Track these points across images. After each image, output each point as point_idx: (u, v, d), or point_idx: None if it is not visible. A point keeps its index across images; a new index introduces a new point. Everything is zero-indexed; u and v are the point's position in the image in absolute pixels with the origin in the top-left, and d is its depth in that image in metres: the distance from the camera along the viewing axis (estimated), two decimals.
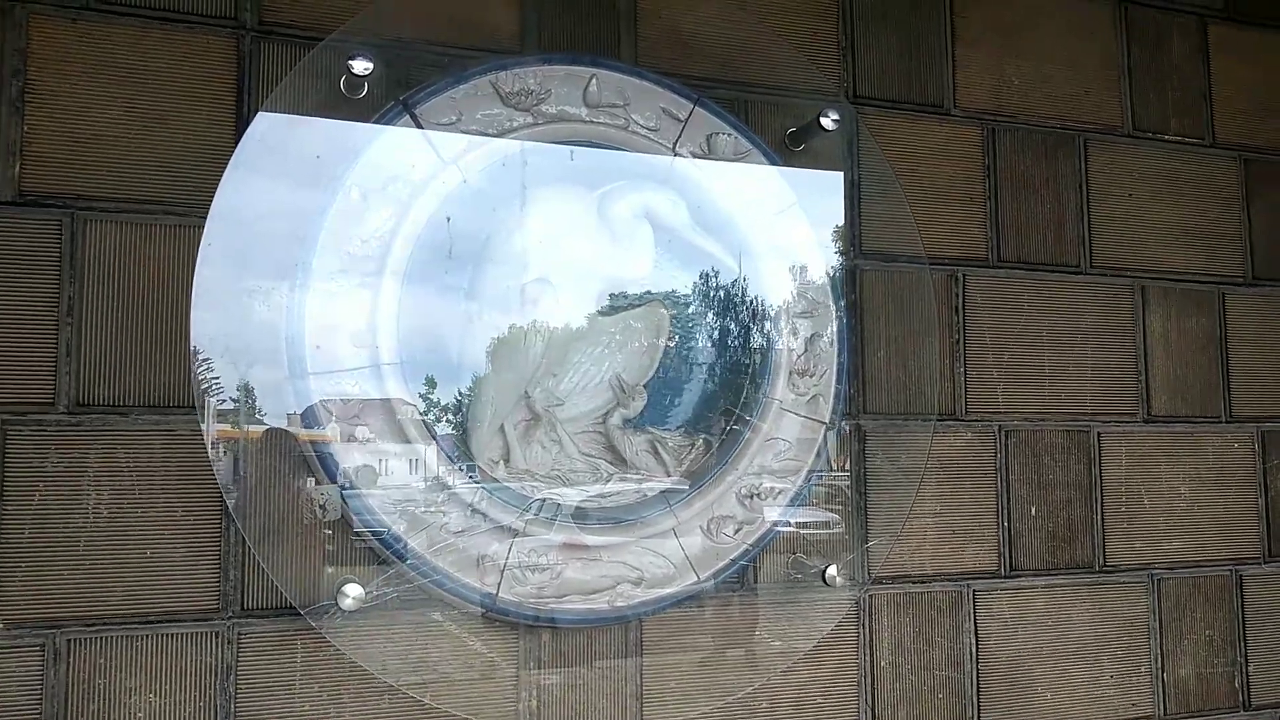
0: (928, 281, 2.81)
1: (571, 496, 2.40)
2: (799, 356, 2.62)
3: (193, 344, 2.11)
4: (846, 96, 2.80)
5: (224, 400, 2.15)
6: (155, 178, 2.20)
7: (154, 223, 2.20)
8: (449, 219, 2.30)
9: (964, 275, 2.92)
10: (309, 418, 2.19)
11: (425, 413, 2.28)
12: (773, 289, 2.59)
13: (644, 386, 2.53)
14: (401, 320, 2.27)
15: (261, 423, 2.17)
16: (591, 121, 2.45)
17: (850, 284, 2.75)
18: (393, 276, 2.27)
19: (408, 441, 2.24)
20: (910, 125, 2.91)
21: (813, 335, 2.64)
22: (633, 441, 2.48)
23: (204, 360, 2.14)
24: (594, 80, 2.46)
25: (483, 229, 2.38)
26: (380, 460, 2.23)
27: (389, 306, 2.26)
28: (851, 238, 2.80)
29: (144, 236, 2.19)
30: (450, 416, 2.34)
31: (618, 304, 2.54)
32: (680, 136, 2.54)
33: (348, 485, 2.18)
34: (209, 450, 2.10)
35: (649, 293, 2.56)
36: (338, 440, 2.19)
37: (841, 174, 2.80)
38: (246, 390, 2.18)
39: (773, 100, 2.73)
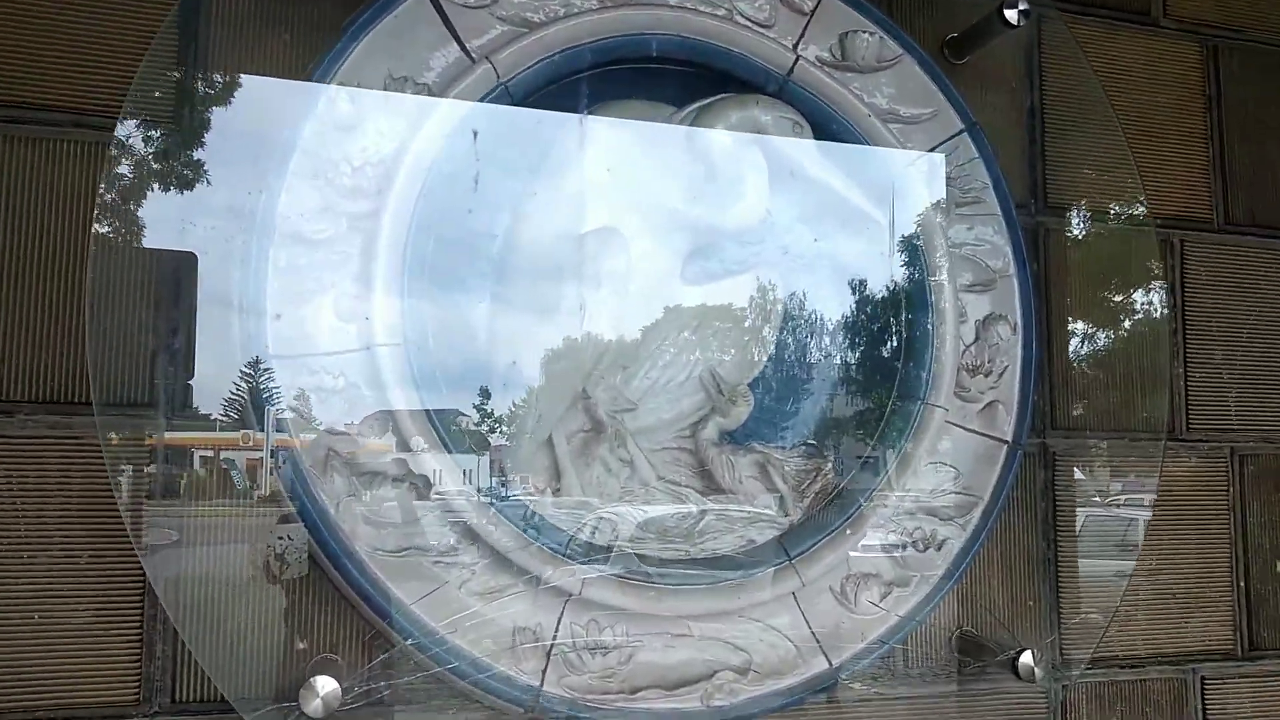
0: (1143, 248, 2.03)
1: (649, 543, 1.65)
2: (969, 347, 1.85)
3: (91, 313, 1.42)
4: (1000, 15, 2.02)
5: (140, 397, 1.45)
6: (65, 76, 1.53)
7: (59, 138, 1.52)
8: (475, 134, 1.59)
9: (1181, 242, 2.13)
10: (269, 419, 1.48)
11: (440, 417, 1.56)
12: (932, 252, 1.83)
13: (749, 387, 1.79)
14: (407, 283, 1.55)
15: (194, 427, 1.47)
16: (681, 7, 1.72)
17: (1033, 249, 1.97)
18: (394, 220, 1.56)
19: (413, 459, 1.52)
20: (1106, 38, 2.14)
21: (988, 317, 1.87)
22: (734, 464, 1.73)
23: (110, 340, 1.45)
24: None
25: (524, 155, 1.67)
26: (371, 485, 1.51)
27: (389, 263, 1.55)
28: (1032, 185, 2.02)
29: (43, 156, 1.51)
30: (477, 422, 1.62)
31: (713, 268, 1.81)
32: (804, 34, 1.80)
33: (322, 525, 1.47)
34: (109, 470, 1.40)
35: (758, 253, 1.81)
36: (309, 457, 1.48)
37: (1026, 96, 2.03)
38: (176, 381, 1.48)
39: None
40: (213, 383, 1.52)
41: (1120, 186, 2.05)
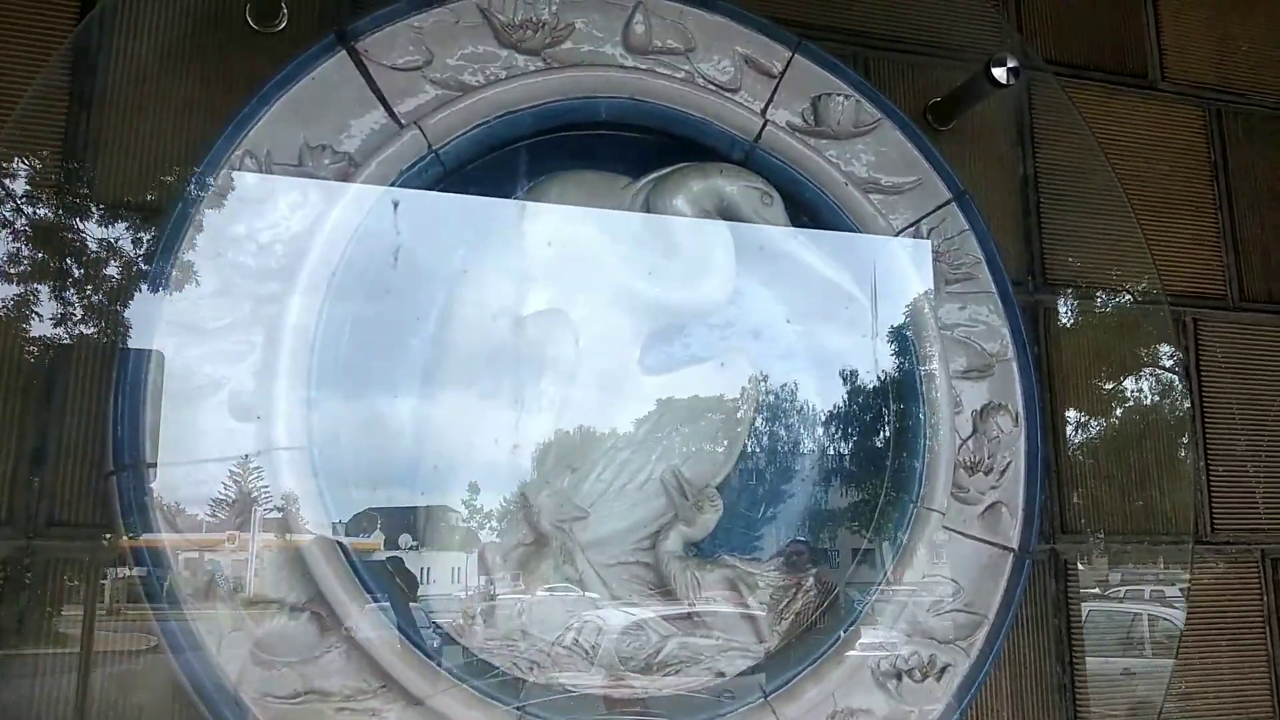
0: (1153, 327, 1.84)
1: (598, 677, 1.41)
2: (966, 441, 1.64)
3: None
4: (988, 74, 1.86)
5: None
6: None
7: None
8: (396, 204, 1.40)
9: (1195, 321, 1.94)
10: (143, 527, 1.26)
11: (351, 531, 1.33)
12: (921, 334, 1.63)
13: (717, 489, 1.57)
14: (315, 375, 1.34)
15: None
16: (635, 68, 1.56)
17: (1032, 330, 1.78)
18: (304, 303, 1.36)
19: (316, 585, 1.28)
20: (1101, 102, 1.98)
21: (986, 407, 1.67)
22: (701, 580, 1.50)
23: None
24: (639, 11, 1.58)
25: (455, 230, 1.48)
26: (264, 616, 1.27)
27: (296, 353, 1.34)
28: (1029, 260, 1.84)
29: None
30: (395, 539, 1.39)
31: (675, 354, 1.60)
32: (774, 97, 1.63)
33: (197, 664, 1.23)
34: None
35: (726, 337, 1.61)
36: (188, 582, 1.24)
37: (1019, 164, 1.86)
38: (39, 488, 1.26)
39: (903, 58, 1.83)
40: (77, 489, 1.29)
41: (1126, 261, 1.86)
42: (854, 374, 1.65)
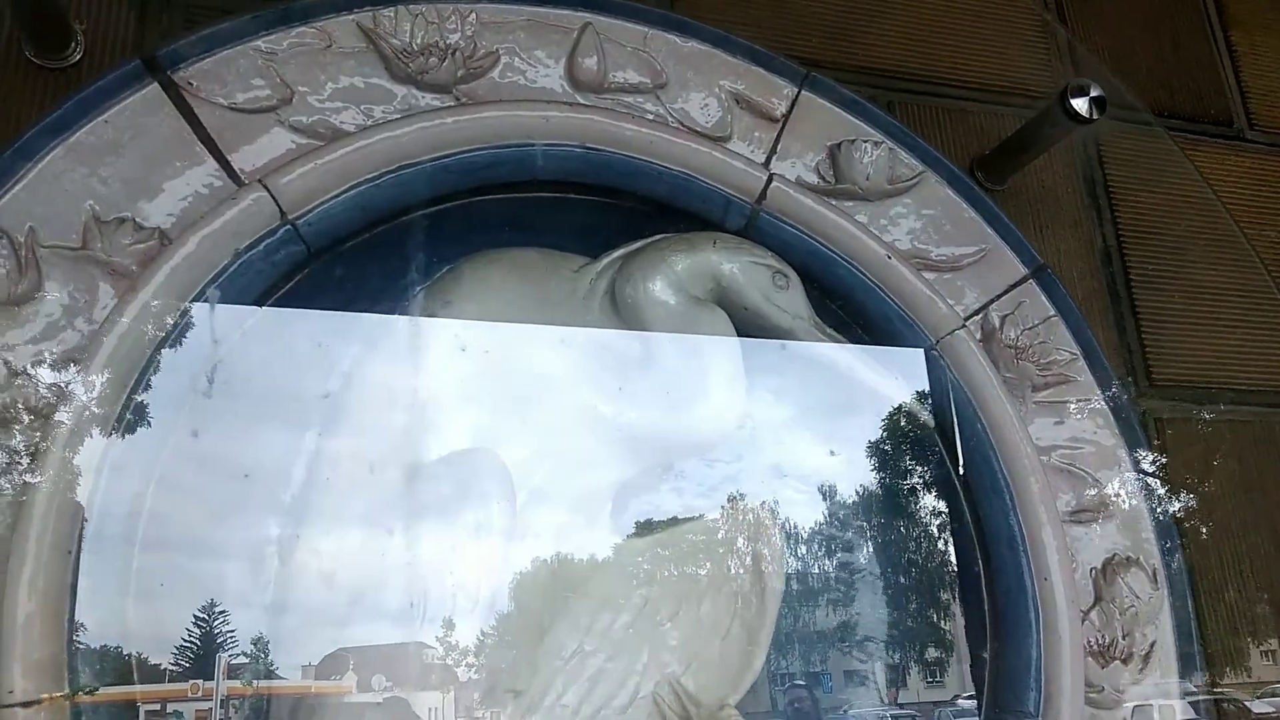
0: None
1: None
2: (1089, 613, 1.12)
3: None
4: (1064, 106, 1.44)
5: None
6: None
7: None
8: (214, 299, 0.90)
9: None
10: None
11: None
12: (1013, 464, 1.13)
13: (736, 708, 1.03)
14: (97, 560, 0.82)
15: None
16: (578, 105, 1.11)
17: (1145, 444, 1.28)
18: (77, 440, 0.84)
19: None
20: (1178, 156, 1.56)
21: (1110, 563, 1.15)
22: None
23: None
24: (587, 36, 1.14)
25: (320, 337, 0.98)
26: None
27: (54, 523, 0.82)
28: (1126, 356, 1.37)
29: None
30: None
31: (663, 506, 1.10)
32: (777, 146, 1.19)
33: None
34: None
35: (737, 476, 1.11)
36: None
37: (1095, 232, 1.43)
38: None
39: (933, 101, 1.42)
40: None
41: (1260, 349, 1.41)
42: (923, 524, 1.14)
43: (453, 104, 1.07)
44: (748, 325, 1.12)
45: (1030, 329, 1.22)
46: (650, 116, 1.15)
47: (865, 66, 1.40)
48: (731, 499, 1.13)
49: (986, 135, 1.42)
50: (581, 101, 1.13)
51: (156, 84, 0.99)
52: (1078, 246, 1.43)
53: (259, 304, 0.97)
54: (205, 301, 0.91)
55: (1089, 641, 1.12)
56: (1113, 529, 1.19)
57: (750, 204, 1.15)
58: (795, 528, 1.13)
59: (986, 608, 1.13)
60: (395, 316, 1.01)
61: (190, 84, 1.00)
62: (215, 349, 0.90)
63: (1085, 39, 1.58)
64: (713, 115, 1.19)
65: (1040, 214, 1.41)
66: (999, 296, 1.23)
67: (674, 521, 1.12)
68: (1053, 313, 1.23)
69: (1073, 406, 1.22)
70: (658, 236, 1.14)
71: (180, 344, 0.91)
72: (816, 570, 1.12)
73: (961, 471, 1.12)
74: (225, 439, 0.90)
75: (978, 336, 1.20)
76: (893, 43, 1.43)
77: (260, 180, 0.98)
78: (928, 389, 1.15)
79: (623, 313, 1.09)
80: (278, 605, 0.91)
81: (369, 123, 1.04)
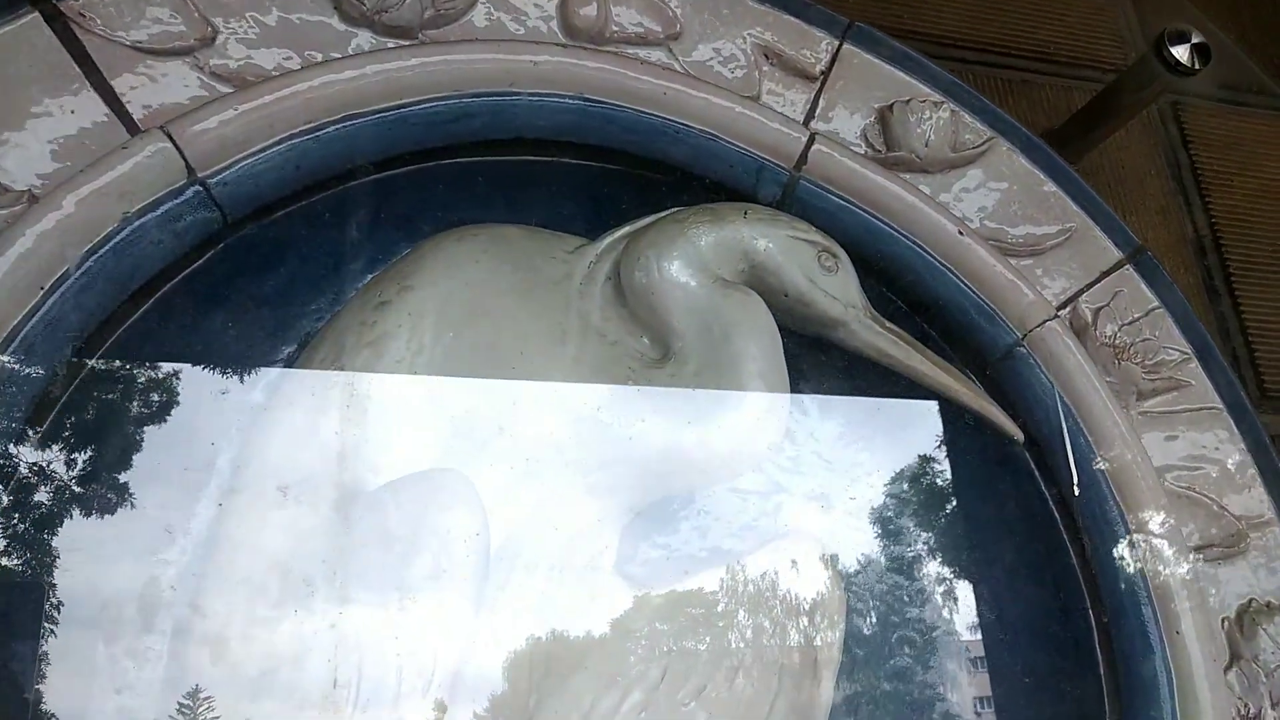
0: None
1: None
2: (1228, 674, 0.87)
3: None
4: (1161, 55, 1.22)
5: None
6: None
7: None
8: (69, 278, 0.67)
9: None
10: None
11: None
12: (1126, 489, 0.89)
13: None
14: None
15: None
16: (576, 47, 0.90)
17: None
18: None
19: None
20: (1260, 133, 1.35)
21: (1246, 612, 0.91)
22: None
23: None
24: None
25: (221, 337, 0.75)
26: None
27: None
28: (1232, 358, 1.15)
29: None
30: None
31: (682, 549, 0.86)
32: (814, 107, 0.98)
33: None
34: None
35: (773, 511, 0.87)
36: None
37: (1184, 220, 1.21)
38: None
39: (994, 73, 1.22)
40: None
41: None
42: (1012, 564, 0.90)
43: (409, 43, 0.86)
44: (787, 315, 0.89)
45: (1131, 324, 0.99)
46: (656, 60, 0.94)
47: (915, 31, 1.20)
48: (767, 539, 0.89)
49: (1054, 110, 1.22)
50: (575, 43, 0.92)
51: (37, 13, 0.78)
52: (1167, 236, 1.21)
53: (155, 285, 0.74)
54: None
55: (1235, 712, 0.87)
56: (1246, 568, 0.95)
57: (788, 170, 0.94)
58: (852, 575, 0.88)
59: (1102, 671, 0.88)
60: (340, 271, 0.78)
61: (81, 14, 0.79)
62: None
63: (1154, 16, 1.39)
64: (735, 61, 0.97)
65: (1121, 199, 1.20)
66: (1091, 285, 1.00)
67: (695, 566, 0.88)
68: (1156, 304, 1.01)
69: (1185, 418, 0.98)
70: (671, 210, 0.92)
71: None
72: (881, 630, 0.88)
73: (1078, 490, 0.88)
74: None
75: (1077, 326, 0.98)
76: (945, 5, 1.23)
77: (163, 127, 0.76)
78: (1019, 394, 0.92)
79: (631, 301, 0.87)
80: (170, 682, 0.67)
81: (303, 64, 0.82)
